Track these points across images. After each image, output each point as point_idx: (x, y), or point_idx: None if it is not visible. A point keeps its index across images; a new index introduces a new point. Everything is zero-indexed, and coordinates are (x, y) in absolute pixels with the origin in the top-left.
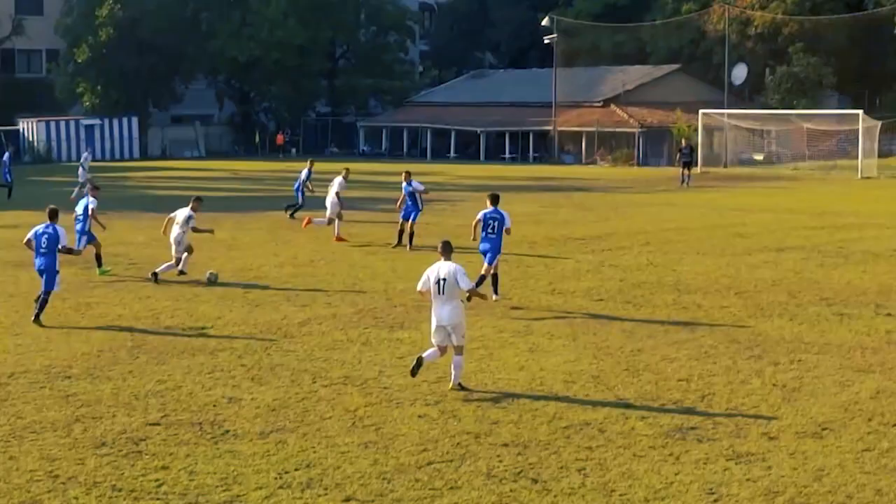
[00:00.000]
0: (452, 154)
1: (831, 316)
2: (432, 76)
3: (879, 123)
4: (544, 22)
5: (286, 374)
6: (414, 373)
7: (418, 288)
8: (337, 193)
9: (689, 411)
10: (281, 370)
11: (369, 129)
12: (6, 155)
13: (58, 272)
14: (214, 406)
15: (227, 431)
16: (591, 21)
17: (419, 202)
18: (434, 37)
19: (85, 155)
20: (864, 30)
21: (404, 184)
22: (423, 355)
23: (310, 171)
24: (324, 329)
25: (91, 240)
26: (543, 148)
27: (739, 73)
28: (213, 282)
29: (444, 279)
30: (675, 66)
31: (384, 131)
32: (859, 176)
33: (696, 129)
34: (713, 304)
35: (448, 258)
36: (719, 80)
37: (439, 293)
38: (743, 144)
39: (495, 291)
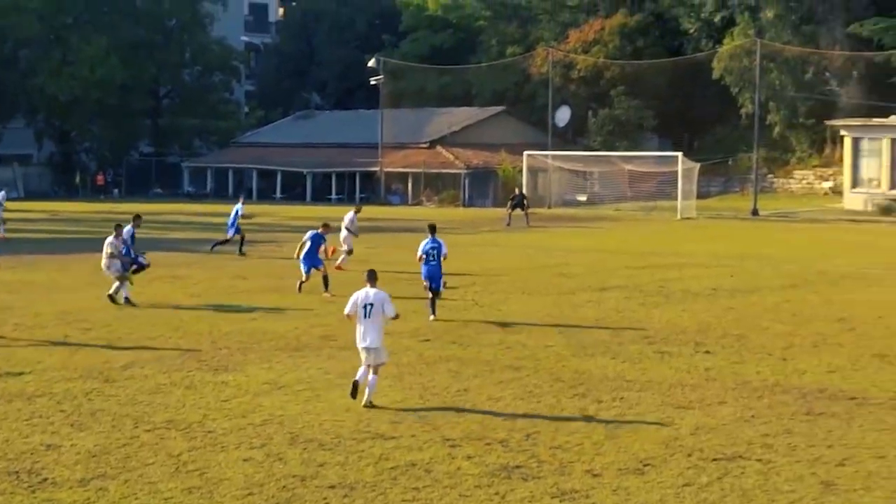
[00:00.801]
0: (279, 195)
1: (652, 354)
2: (258, 116)
3: (698, 165)
4: (371, 63)
5: (107, 420)
6: (353, 395)
7: (346, 312)
8: (347, 227)
9: (515, 450)
10: (102, 415)
11: (194, 169)
12: None
13: None
14: (32, 454)
15: (46, 479)
16: (417, 63)
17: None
18: (260, 77)
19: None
20: (683, 74)
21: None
22: (357, 378)
23: (241, 208)
24: (147, 372)
25: None
26: (370, 189)
27: (563, 115)
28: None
29: (372, 304)
30: (500, 108)
31: (209, 172)
32: (679, 217)
33: (520, 171)
34: (538, 343)
35: (374, 285)
36: (543, 122)
37: (366, 317)
38: (566, 185)
39: (433, 312)
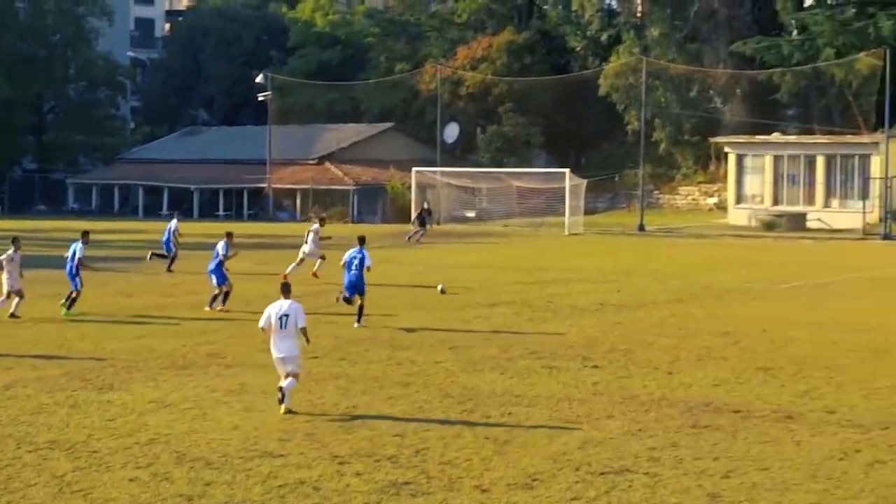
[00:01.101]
0: (165, 211)
1: (540, 369)
2: (144, 133)
3: (585, 182)
4: (258, 79)
5: None
6: (282, 401)
7: (260, 325)
8: (312, 240)
9: (404, 466)
10: None
11: (79, 186)
12: None
13: None
14: None
15: None
16: (305, 79)
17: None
18: (146, 92)
19: None
20: (570, 91)
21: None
22: (281, 384)
23: (175, 225)
24: (29, 392)
25: None
26: (258, 205)
27: (451, 131)
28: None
29: (287, 315)
30: (388, 125)
31: (94, 188)
32: (567, 232)
33: (409, 187)
34: (427, 359)
35: (287, 297)
36: (432, 139)
37: (281, 328)
38: (455, 202)
39: (358, 320)
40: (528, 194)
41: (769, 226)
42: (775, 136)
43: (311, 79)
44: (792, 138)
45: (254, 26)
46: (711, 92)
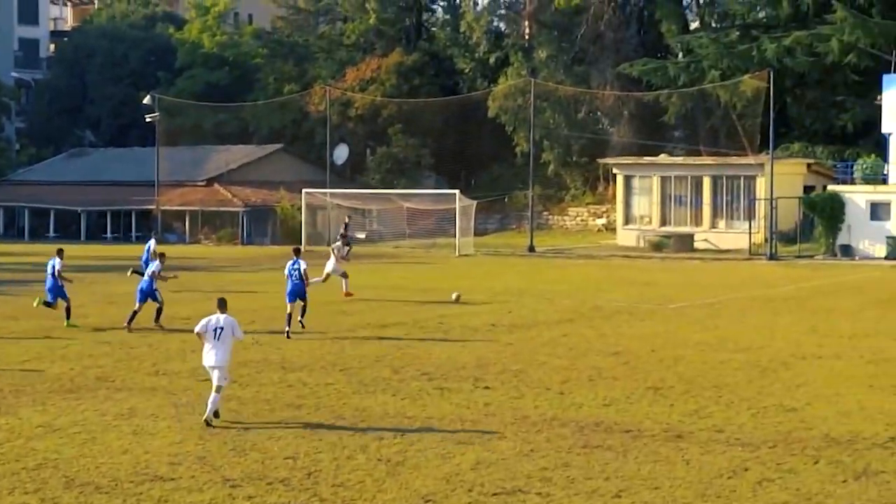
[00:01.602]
0: (52, 234)
1: (432, 390)
2: (30, 154)
3: (475, 203)
4: (146, 100)
5: None
6: (209, 423)
7: (196, 330)
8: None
9: (296, 489)
10: None
11: None
12: None
13: None
14: None
15: None
16: (193, 100)
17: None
18: (31, 114)
19: None
20: (459, 113)
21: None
22: (209, 404)
23: (153, 245)
24: None
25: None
26: (147, 227)
27: (341, 153)
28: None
29: (222, 328)
30: (278, 146)
31: None
32: (457, 253)
33: (299, 208)
34: (318, 381)
35: (224, 311)
36: (322, 160)
37: (216, 339)
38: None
39: (289, 324)
40: (419, 215)
41: (657, 246)
42: (662, 158)
43: (200, 100)
44: (679, 159)
45: (141, 47)
46: (599, 113)
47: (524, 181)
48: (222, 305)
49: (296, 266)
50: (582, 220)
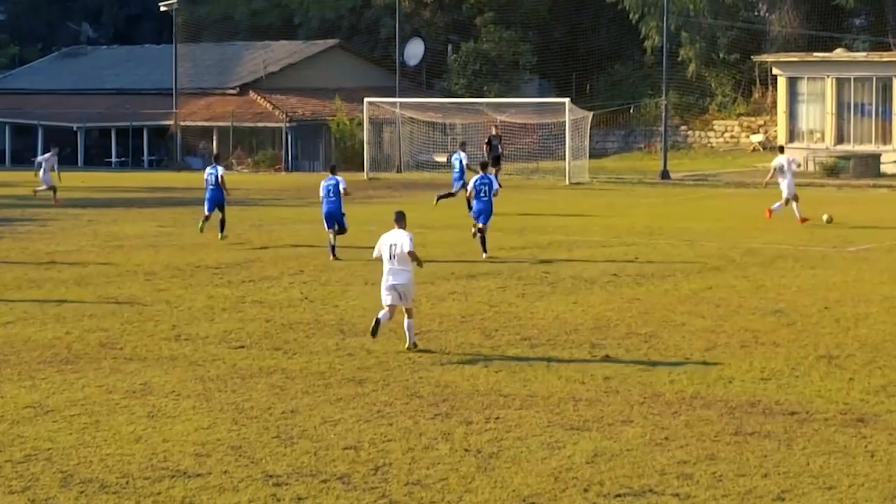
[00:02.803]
0: (40, 156)
1: (536, 360)
2: (11, 55)
3: (591, 115)
4: None
5: None
6: (374, 333)
7: (373, 255)
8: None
9: (360, 488)
10: None
11: None
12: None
13: None
14: None
15: None
16: None
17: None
18: (12, 3)
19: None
20: None
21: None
22: (379, 316)
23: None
24: None
25: None
26: (163, 149)
27: (414, 50)
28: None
29: (396, 244)
30: (332, 42)
31: None
32: (567, 181)
33: (360, 123)
34: (387, 348)
35: (401, 227)
36: (389, 60)
37: (391, 258)
38: (421, 142)
39: (484, 250)
40: (517, 132)
41: (832, 170)
42: (838, 53)
43: None
44: (860, 56)
45: None
46: None
47: (655, 86)
48: (400, 219)
49: (485, 181)
50: (732, 137)
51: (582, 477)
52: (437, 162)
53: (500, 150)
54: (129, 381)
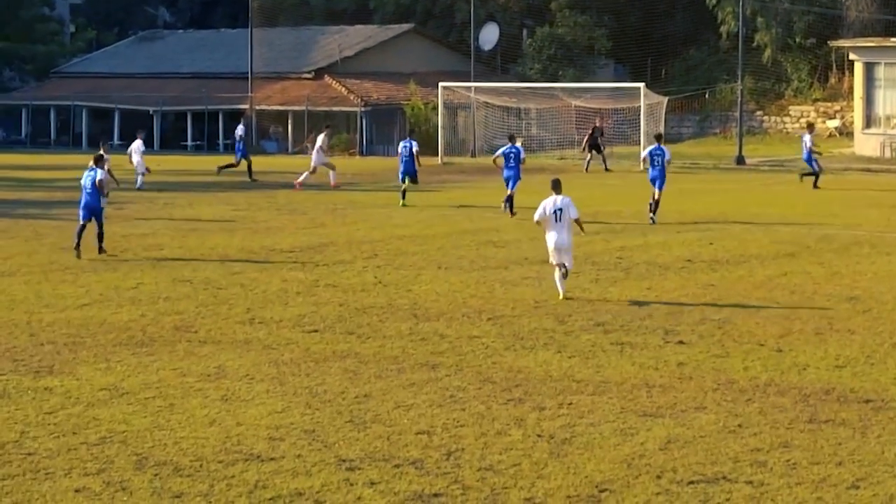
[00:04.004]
0: (117, 141)
1: (609, 346)
2: (88, 39)
3: (666, 100)
4: None
5: None
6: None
7: (535, 218)
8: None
9: (432, 473)
10: None
11: (3, 108)
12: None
13: None
14: None
15: None
16: None
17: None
18: None
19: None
20: None
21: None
22: (556, 279)
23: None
24: None
25: None
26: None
27: (489, 35)
28: None
29: (561, 210)
30: (407, 27)
31: (24, 111)
32: (642, 166)
33: (434, 108)
34: (460, 333)
35: (559, 192)
36: (464, 45)
37: (556, 221)
38: (496, 127)
39: (653, 213)
40: (592, 116)
41: None
42: None
43: None
44: None
45: None
46: None
47: (731, 71)
48: (557, 186)
49: (657, 152)
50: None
51: (655, 464)
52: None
53: (598, 140)
54: (204, 365)
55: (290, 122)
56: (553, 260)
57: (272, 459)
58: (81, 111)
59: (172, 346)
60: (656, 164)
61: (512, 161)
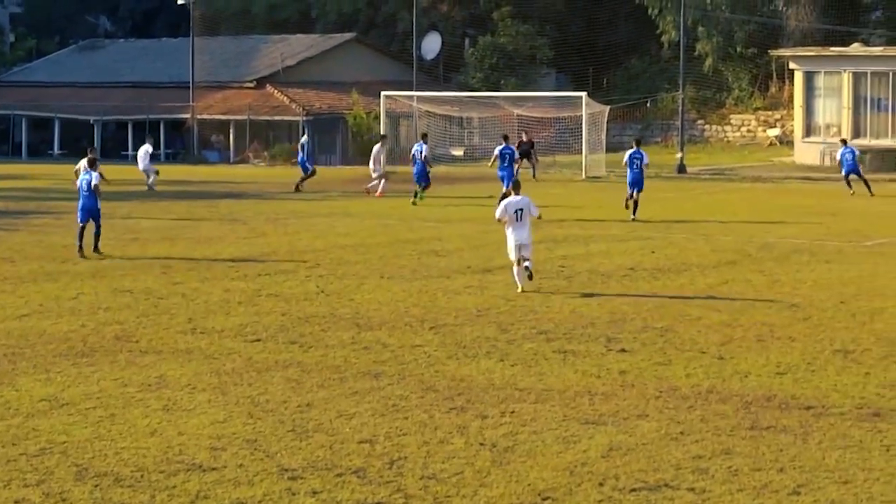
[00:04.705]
0: (57, 150)
1: (552, 354)
2: (28, 48)
3: (608, 109)
4: None
5: None
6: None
7: (497, 216)
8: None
9: (375, 482)
10: None
11: None
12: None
13: None
14: None
15: None
16: None
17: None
18: None
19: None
20: None
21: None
22: (514, 273)
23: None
24: None
25: None
26: (179, 142)
27: (431, 44)
28: None
29: (522, 209)
30: (349, 36)
31: None
32: (584, 175)
33: (376, 117)
34: (402, 342)
35: (518, 193)
36: (406, 54)
37: (518, 220)
38: (438, 136)
39: (634, 213)
40: (534, 125)
41: None
42: (855, 48)
43: None
44: (878, 50)
45: None
46: None
47: (672, 80)
48: (517, 187)
49: (636, 155)
50: (748, 132)
51: (597, 471)
52: (453, 156)
53: (530, 152)
54: (145, 375)
55: (231, 131)
56: (513, 256)
57: (214, 469)
58: (21, 120)
59: (113, 357)
60: (635, 166)
61: (507, 161)
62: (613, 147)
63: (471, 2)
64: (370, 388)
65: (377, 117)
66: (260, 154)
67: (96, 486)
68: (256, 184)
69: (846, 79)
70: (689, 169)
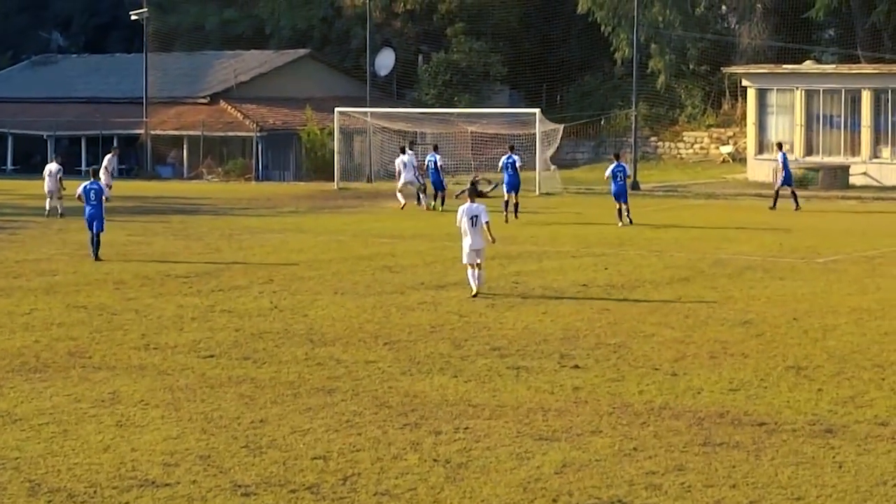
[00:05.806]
0: (10, 166)
1: (505, 370)
2: None
3: (561, 127)
4: None
5: None
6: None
7: (457, 223)
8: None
9: (328, 498)
10: None
11: None
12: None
13: None
14: None
15: None
16: None
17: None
18: None
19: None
20: (539, 9)
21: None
22: (469, 277)
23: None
24: None
25: None
26: (133, 157)
27: (385, 61)
28: None
29: (477, 215)
30: (303, 52)
31: None
32: (538, 192)
33: (330, 133)
34: (356, 358)
35: (473, 201)
36: (360, 70)
37: (472, 226)
38: (391, 152)
39: (629, 218)
40: (487, 142)
41: (801, 182)
42: (808, 66)
43: None
44: (829, 68)
45: None
46: (724, 8)
47: (625, 97)
48: (472, 194)
49: (619, 169)
50: (701, 149)
51: (551, 487)
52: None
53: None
54: (98, 391)
55: (185, 146)
56: (467, 260)
57: (167, 485)
58: None
59: (66, 372)
60: (619, 179)
61: (511, 169)
62: (567, 164)
63: (425, 18)
64: (324, 404)
65: (331, 133)
66: (214, 170)
67: (49, 501)
68: (210, 200)
69: (799, 96)
70: (642, 186)
